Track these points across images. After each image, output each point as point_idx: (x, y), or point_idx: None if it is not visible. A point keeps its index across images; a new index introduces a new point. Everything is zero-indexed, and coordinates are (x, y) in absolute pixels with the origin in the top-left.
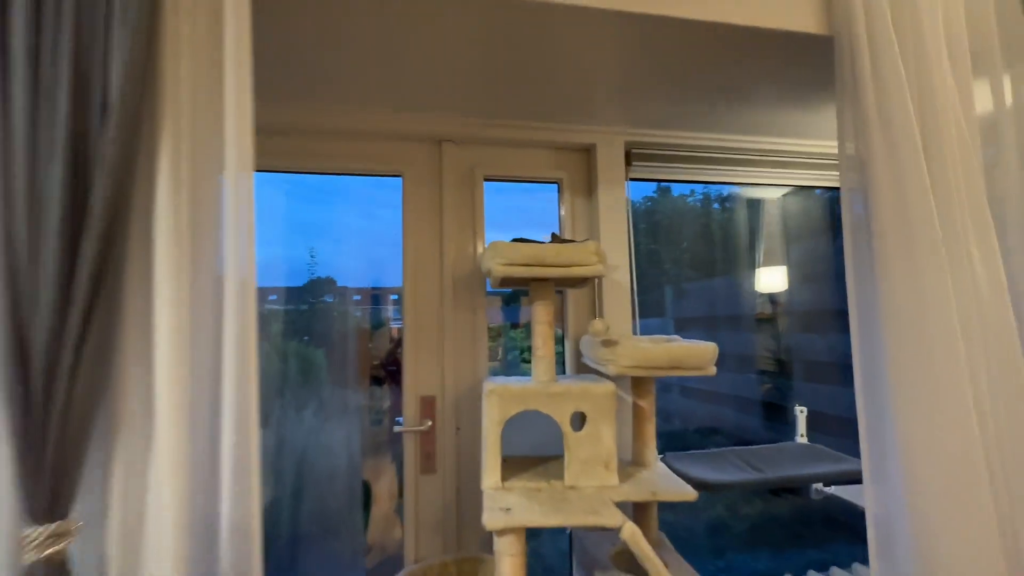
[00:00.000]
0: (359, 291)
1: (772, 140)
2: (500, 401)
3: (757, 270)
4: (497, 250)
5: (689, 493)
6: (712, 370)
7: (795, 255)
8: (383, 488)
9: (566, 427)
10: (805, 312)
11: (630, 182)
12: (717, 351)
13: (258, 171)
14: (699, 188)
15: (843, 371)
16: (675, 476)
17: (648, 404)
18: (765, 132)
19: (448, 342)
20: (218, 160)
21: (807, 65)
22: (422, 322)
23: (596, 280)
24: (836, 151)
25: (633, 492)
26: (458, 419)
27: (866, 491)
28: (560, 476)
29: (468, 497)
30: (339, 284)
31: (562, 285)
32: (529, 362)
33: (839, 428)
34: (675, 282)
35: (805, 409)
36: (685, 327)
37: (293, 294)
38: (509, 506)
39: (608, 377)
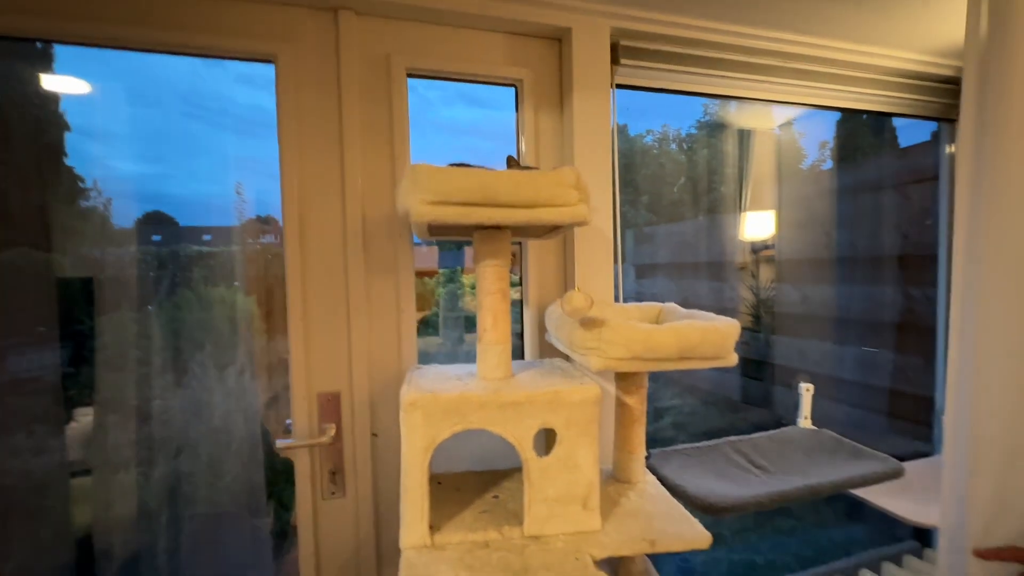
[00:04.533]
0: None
1: (822, 42)
2: (426, 419)
3: (742, 214)
4: (419, 180)
5: (699, 538)
6: (733, 359)
7: (788, 196)
8: None
9: (527, 451)
10: (796, 261)
11: (617, 89)
12: (739, 330)
13: None
14: (657, 127)
15: (838, 326)
16: (674, 501)
17: (638, 402)
18: (811, 30)
19: (357, 315)
20: None
21: None
22: (316, 286)
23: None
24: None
25: (623, 544)
26: (375, 422)
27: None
28: (519, 515)
29: (391, 527)
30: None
31: (523, 235)
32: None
33: (828, 389)
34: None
35: (812, 387)
36: (647, 275)
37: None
38: None
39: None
